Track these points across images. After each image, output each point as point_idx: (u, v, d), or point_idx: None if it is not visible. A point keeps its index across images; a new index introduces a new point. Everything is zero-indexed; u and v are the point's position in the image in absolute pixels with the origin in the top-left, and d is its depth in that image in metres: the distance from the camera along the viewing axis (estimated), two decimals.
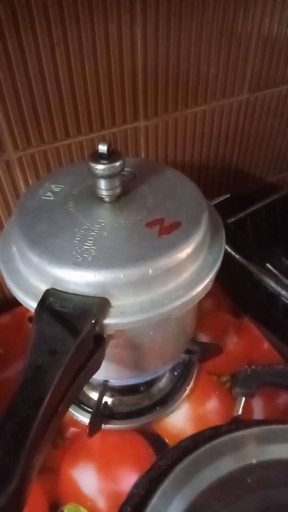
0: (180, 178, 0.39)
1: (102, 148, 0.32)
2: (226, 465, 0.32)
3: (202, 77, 0.53)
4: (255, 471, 0.33)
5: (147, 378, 0.46)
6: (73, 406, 0.48)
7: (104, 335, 0.31)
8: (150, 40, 0.47)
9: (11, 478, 0.23)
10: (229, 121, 0.60)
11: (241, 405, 0.42)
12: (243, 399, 0.43)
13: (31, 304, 0.32)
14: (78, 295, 0.31)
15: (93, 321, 0.29)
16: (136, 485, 0.32)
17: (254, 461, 0.33)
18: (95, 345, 0.31)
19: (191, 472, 0.32)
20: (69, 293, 0.31)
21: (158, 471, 0.33)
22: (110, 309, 0.31)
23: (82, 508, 0.40)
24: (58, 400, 0.27)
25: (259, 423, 0.36)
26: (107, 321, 0.31)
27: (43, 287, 0.32)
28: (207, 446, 0.33)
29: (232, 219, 0.59)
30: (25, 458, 0.24)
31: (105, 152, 0.32)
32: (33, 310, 0.31)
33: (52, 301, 0.31)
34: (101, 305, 0.30)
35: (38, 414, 0.25)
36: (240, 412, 0.42)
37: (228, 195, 0.60)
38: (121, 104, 0.50)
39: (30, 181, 0.50)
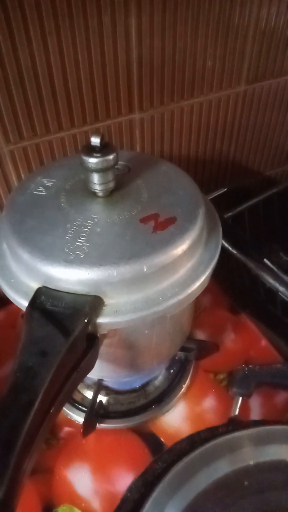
0: (176, 172, 0.38)
1: (95, 140, 0.31)
2: (222, 468, 0.32)
3: (199, 68, 0.52)
4: (252, 473, 0.32)
5: (143, 377, 0.46)
6: (67, 405, 0.47)
7: (98, 335, 0.30)
8: (145, 31, 0.46)
9: None
10: (226, 113, 0.59)
11: (238, 405, 0.42)
12: (240, 399, 0.42)
13: (22, 302, 0.31)
14: (70, 293, 0.30)
15: (85, 321, 0.29)
16: (130, 489, 0.32)
17: (251, 463, 0.32)
18: (88, 345, 0.30)
19: (186, 475, 0.31)
20: (61, 292, 0.30)
21: (152, 474, 0.32)
22: (104, 307, 0.30)
23: (76, 509, 0.40)
24: (49, 402, 0.27)
25: (256, 423, 0.36)
26: (100, 320, 0.30)
27: (34, 285, 0.31)
28: (203, 448, 0.32)
29: (229, 214, 0.58)
30: (14, 464, 0.23)
31: (98, 145, 0.31)
32: (24, 309, 0.30)
33: (43, 300, 0.30)
34: (94, 303, 0.30)
35: (28, 417, 0.24)
36: (237, 412, 0.41)
37: (225, 189, 0.59)
38: (116, 96, 0.48)
39: (22, 175, 0.49)
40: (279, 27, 0.54)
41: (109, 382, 0.46)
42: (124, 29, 0.44)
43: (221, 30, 0.50)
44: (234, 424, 0.37)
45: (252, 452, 0.33)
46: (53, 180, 0.36)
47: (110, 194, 0.34)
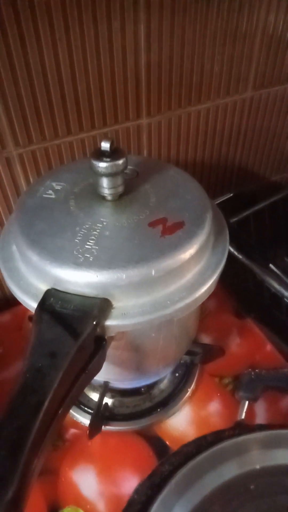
0: (183, 176, 0.38)
1: (105, 145, 0.31)
2: (228, 471, 0.32)
3: (206, 74, 0.52)
4: (258, 477, 0.32)
5: (149, 380, 0.46)
6: (73, 407, 0.47)
7: (105, 337, 0.31)
8: (153, 37, 0.46)
9: (8, 486, 0.22)
10: (232, 119, 0.59)
11: (245, 409, 0.42)
12: (247, 403, 0.42)
13: (31, 304, 0.31)
14: (79, 295, 0.30)
15: (94, 323, 0.29)
16: (137, 491, 0.32)
17: (257, 467, 0.32)
18: (96, 347, 0.30)
19: (193, 478, 0.31)
20: (70, 294, 0.30)
21: (159, 476, 0.32)
22: (112, 310, 0.30)
23: (81, 511, 0.40)
24: (58, 403, 0.27)
25: (262, 427, 0.36)
26: (108, 322, 0.30)
27: (43, 287, 0.31)
28: (210, 451, 0.32)
29: (235, 219, 0.58)
30: (23, 465, 0.23)
31: (108, 149, 0.31)
32: (33, 310, 0.30)
33: (52, 302, 0.30)
34: (103, 306, 0.30)
35: (37, 418, 0.25)
36: (243, 416, 0.41)
37: (231, 194, 0.60)
38: (124, 101, 0.49)
39: (31, 179, 0.50)
40: (287, 33, 0.55)
41: (115, 382, 0.46)
42: (133, 34, 0.45)
43: (229, 35, 0.51)
44: (241, 428, 0.37)
45: (258, 456, 0.33)
46: (62, 183, 0.36)
47: (119, 198, 0.34)
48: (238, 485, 0.31)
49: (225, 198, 0.60)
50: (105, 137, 0.32)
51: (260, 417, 0.45)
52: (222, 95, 0.56)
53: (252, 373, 0.44)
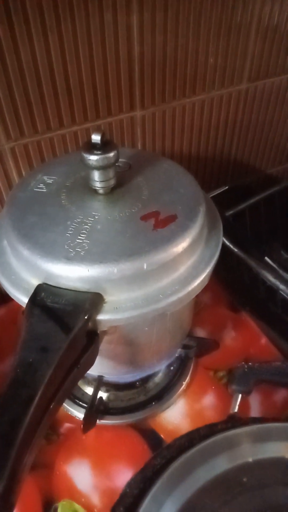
0: (176, 169, 0.38)
1: (96, 138, 0.31)
2: (221, 464, 0.32)
3: (201, 66, 0.52)
4: (251, 470, 0.32)
5: (143, 374, 0.46)
6: (67, 401, 0.47)
7: (98, 331, 0.31)
8: (146, 28, 0.45)
9: None
10: (228, 111, 0.59)
11: (238, 403, 0.42)
12: (240, 396, 0.42)
13: (22, 299, 0.31)
14: (70, 290, 0.30)
15: (85, 317, 0.29)
16: (129, 485, 0.32)
17: (250, 460, 0.32)
18: (88, 341, 0.30)
19: (185, 471, 0.31)
20: (61, 288, 0.30)
21: (151, 470, 0.32)
22: (104, 304, 0.30)
23: (76, 505, 0.40)
24: (49, 398, 0.27)
25: (255, 421, 0.36)
26: (100, 317, 0.30)
27: (35, 282, 0.31)
28: (202, 444, 0.32)
29: (231, 212, 0.58)
30: (14, 459, 0.23)
31: (99, 142, 0.31)
32: (24, 306, 0.30)
33: (43, 297, 0.30)
34: (94, 300, 0.30)
35: (28, 413, 0.24)
36: (236, 409, 0.41)
37: (227, 187, 0.59)
38: (117, 93, 0.48)
39: (23, 172, 0.49)
40: (282, 24, 0.54)
41: (109, 376, 0.46)
42: (125, 26, 0.44)
43: (224, 27, 0.50)
44: (234, 421, 0.37)
45: (251, 449, 0.33)
46: (54, 177, 0.36)
47: (111, 191, 0.34)
48: (231, 478, 0.31)
49: (221, 191, 0.59)
50: (97, 129, 0.31)
51: (254, 410, 0.45)
52: (217, 87, 0.55)
53: (245, 366, 0.44)
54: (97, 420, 0.44)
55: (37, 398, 0.25)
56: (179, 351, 0.49)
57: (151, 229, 0.31)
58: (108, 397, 0.47)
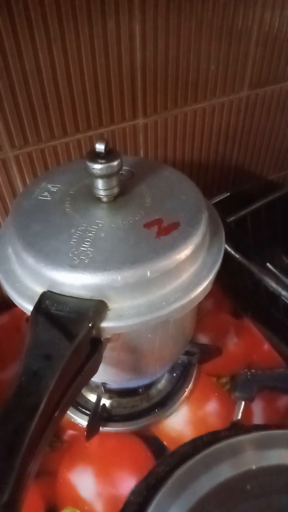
0: (178, 177, 0.38)
1: (100, 147, 0.31)
2: (225, 471, 0.32)
3: (202, 74, 0.52)
4: (254, 477, 0.32)
5: (146, 381, 0.46)
6: (70, 408, 0.47)
7: (101, 339, 0.31)
8: (149, 37, 0.46)
9: (4, 489, 0.22)
10: (229, 119, 0.59)
11: (241, 410, 0.42)
12: (243, 403, 0.42)
13: (27, 307, 0.31)
14: (74, 298, 0.30)
15: (89, 325, 0.29)
16: (133, 492, 0.32)
17: (253, 467, 0.32)
18: (92, 349, 0.30)
19: (189, 478, 0.31)
20: (65, 296, 0.30)
21: (155, 477, 0.32)
22: (107, 312, 0.30)
23: None
24: (53, 406, 0.27)
25: (258, 428, 0.36)
26: (104, 324, 0.30)
27: (39, 290, 0.31)
28: (206, 452, 0.32)
29: (232, 218, 0.58)
30: (19, 467, 0.23)
31: (103, 151, 0.31)
32: (29, 313, 0.30)
33: (48, 304, 0.30)
34: (98, 308, 0.30)
35: (32, 421, 0.25)
36: (239, 416, 0.41)
37: (228, 194, 0.60)
38: (120, 102, 0.49)
39: (27, 180, 0.50)
40: (283, 31, 0.54)
41: (112, 383, 0.46)
42: (128, 34, 0.45)
43: (225, 33, 0.50)
44: (237, 428, 0.37)
45: (254, 456, 0.33)
46: (57, 185, 0.36)
47: (114, 199, 0.34)
48: (234, 486, 0.31)
49: (222, 197, 0.60)
50: (100, 138, 0.32)
51: (257, 417, 0.45)
52: (218, 95, 0.56)
53: (248, 373, 0.44)
54: (100, 427, 0.44)
55: (42, 406, 0.25)
56: (182, 358, 0.49)
57: (154, 236, 0.32)
58: (111, 404, 0.47)
